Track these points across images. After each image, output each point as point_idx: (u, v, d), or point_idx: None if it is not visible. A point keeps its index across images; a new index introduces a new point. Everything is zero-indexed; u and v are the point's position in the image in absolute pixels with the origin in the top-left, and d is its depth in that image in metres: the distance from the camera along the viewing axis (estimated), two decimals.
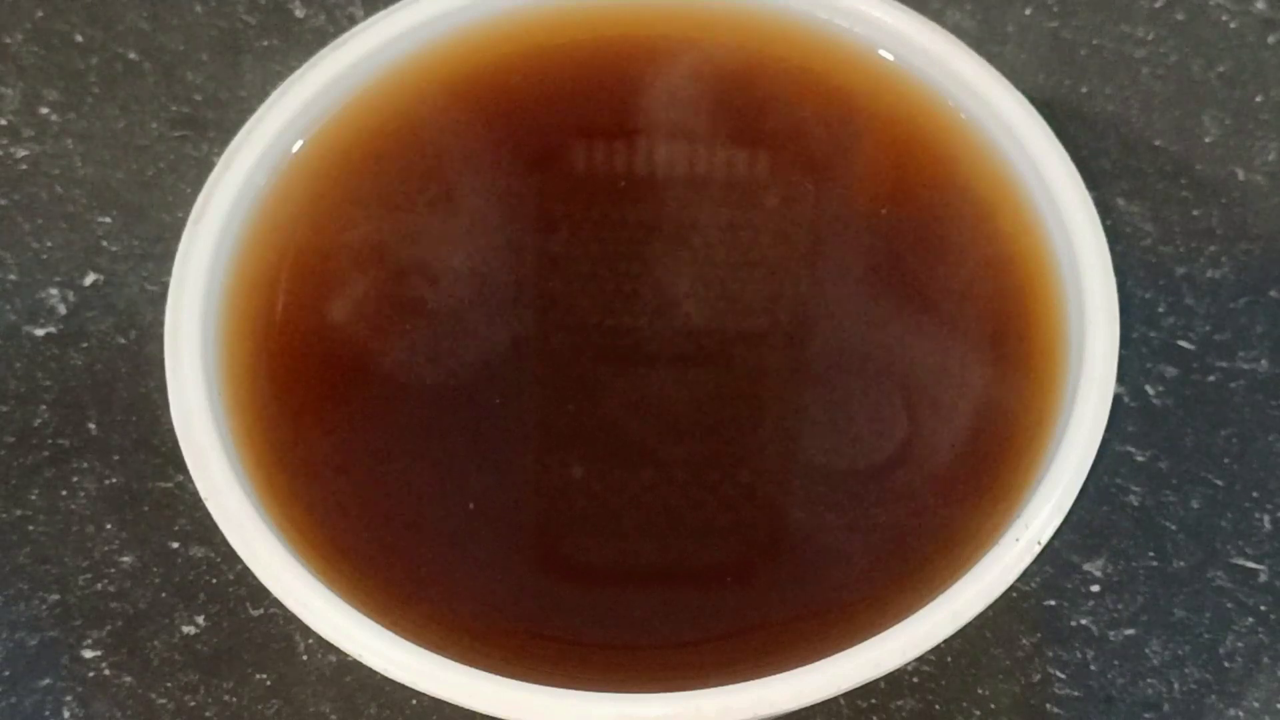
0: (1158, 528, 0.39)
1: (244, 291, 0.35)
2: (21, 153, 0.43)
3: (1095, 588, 0.38)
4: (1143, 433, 0.39)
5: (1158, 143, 0.43)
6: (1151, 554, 0.38)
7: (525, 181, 0.37)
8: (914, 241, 0.36)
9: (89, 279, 0.41)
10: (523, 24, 0.38)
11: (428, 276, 0.36)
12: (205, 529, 0.38)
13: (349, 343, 0.35)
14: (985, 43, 0.44)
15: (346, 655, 0.31)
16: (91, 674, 0.37)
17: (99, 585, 0.38)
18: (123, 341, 0.40)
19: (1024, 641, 0.37)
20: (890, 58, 0.37)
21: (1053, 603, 0.38)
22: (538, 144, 0.37)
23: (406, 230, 0.37)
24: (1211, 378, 0.40)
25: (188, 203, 0.35)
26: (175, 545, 0.38)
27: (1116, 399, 0.33)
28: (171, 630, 0.37)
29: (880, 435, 0.35)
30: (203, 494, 0.32)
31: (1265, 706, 0.37)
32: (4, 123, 0.43)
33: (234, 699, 0.37)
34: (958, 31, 0.40)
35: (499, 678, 0.30)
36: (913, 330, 0.35)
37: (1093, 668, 0.37)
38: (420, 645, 0.30)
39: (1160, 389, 0.40)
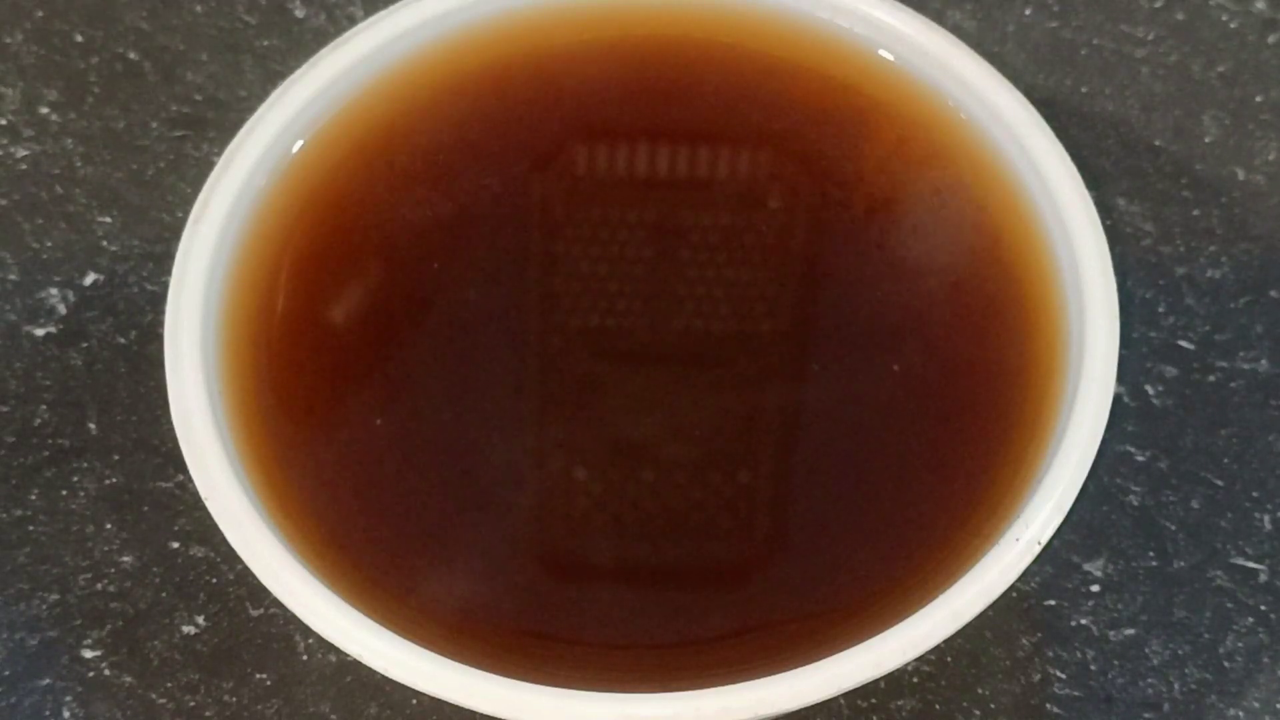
0: (1158, 528, 0.39)
1: (244, 291, 0.35)
2: (21, 153, 0.43)
3: (1095, 588, 0.38)
4: (1143, 433, 0.39)
5: (1158, 143, 0.43)
6: (1151, 554, 0.38)
7: (525, 181, 0.37)
8: (913, 241, 0.36)
9: (89, 279, 0.41)
10: (523, 24, 0.38)
11: (428, 276, 0.36)
12: (205, 529, 0.38)
13: (349, 342, 0.35)
14: (985, 43, 0.44)
15: (346, 655, 0.31)
16: (91, 674, 0.37)
17: (99, 585, 0.38)
18: (123, 341, 0.40)
19: (1024, 641, 0.37)
20: (890, 58, 0.37)
21: (1053, 603, 0.38)
22: (538, 144, 0.37)
23: (406, 230, 0.37)
24: (1211, 378, 0.40)
25: (188, 203, 0.35)
26: (175, 545, 0.38)
27: (1116, 399, 0.33)
28: (171, 630, 0.37)
29: (879, 434, 0.35)
30: (203, 494, 0.32)
31: (1265, 706, 0.37)
32: (4, 123, 0.43)
33: (234, 699, 0.37)
34: (958, 31, 0.40)
35: (499, 678, 0.30)
36: (912, 330, 0.35)
37: (1093, 668, 0.37)
38: (420, 645, 0.30)
39: (1160, 389, 0.40)
